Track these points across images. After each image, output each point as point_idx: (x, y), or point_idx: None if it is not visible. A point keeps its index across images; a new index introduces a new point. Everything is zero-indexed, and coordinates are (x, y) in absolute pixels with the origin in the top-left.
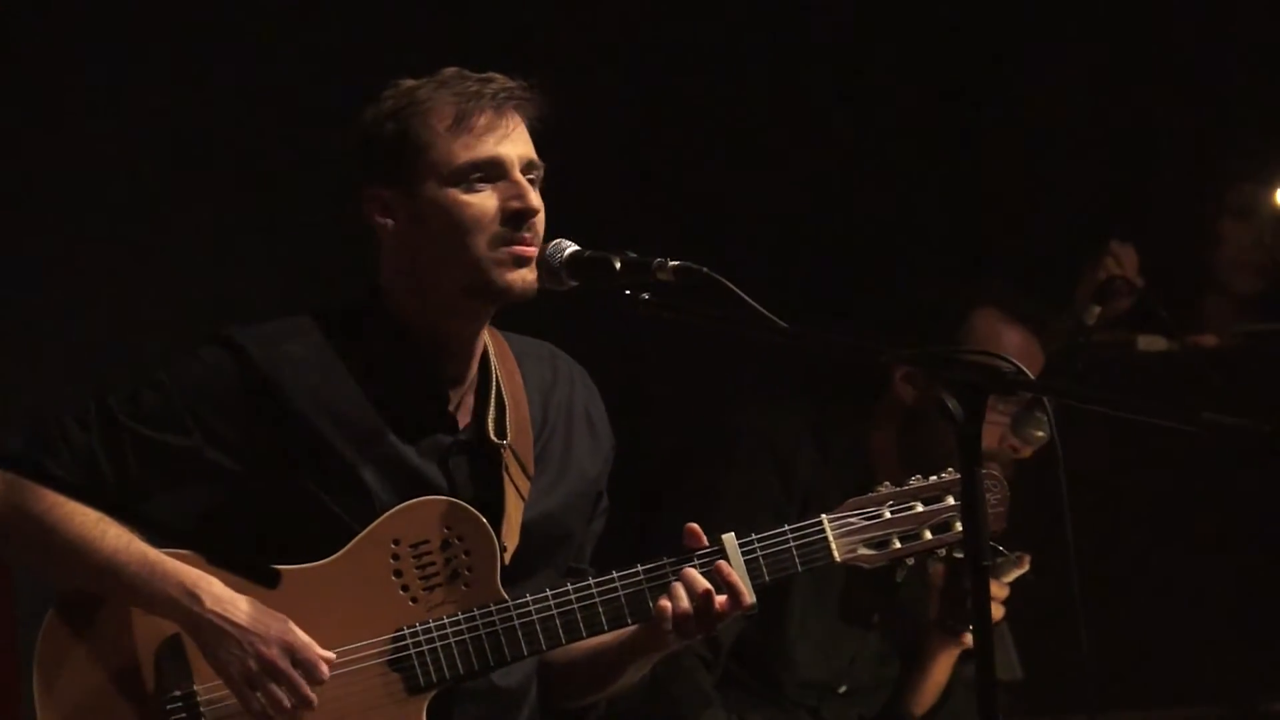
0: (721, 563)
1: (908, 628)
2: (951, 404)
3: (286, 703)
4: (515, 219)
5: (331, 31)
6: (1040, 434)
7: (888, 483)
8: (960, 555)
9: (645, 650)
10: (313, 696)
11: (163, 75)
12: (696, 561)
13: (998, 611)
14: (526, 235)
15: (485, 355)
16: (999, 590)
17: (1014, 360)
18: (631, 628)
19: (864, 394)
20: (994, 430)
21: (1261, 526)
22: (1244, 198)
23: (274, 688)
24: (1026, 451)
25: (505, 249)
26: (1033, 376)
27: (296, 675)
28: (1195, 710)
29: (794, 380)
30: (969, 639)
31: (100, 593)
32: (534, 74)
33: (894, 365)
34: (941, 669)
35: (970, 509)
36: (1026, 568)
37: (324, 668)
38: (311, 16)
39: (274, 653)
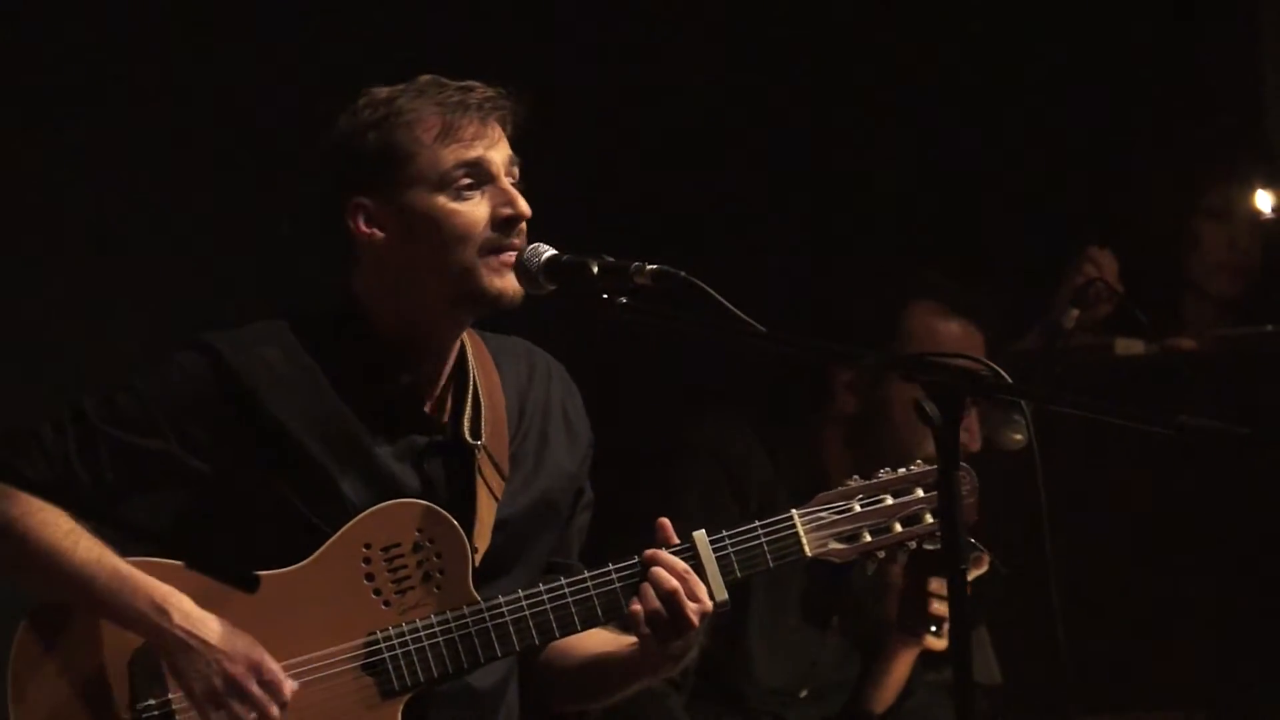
0: (671, 559)
1: (866, 626)
2: (929, 407)
3: None
4: (505, 225)
5: (310, 36)
6: (1018, 437)
7: (857, 476)
8: (930, 548)
9: (646, 670)
10: (277, 716)
11: (149, 80)
12: (664, 554)
13: (943, 608)
14: (516, 241)
15: (463, 355)
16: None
17: (956, 350)
18: (632, 645)
19: (811, 402)
20: None
21: (1243, 530)
22: (1220, 199)
23: (237, 706)
24: (975, 446)
25: (495, 256)
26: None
27: (261, 694)
28: (1174, 714)
29: (742, 391)
30: (930, 640)
31: (70, 603)
32: (507, 77)
33: (836, 375)
34: (902, 667)
35: (948, 512)
36: (985, 567)
37: (288, 689)
38: (292, 22)
39: (239, 670)
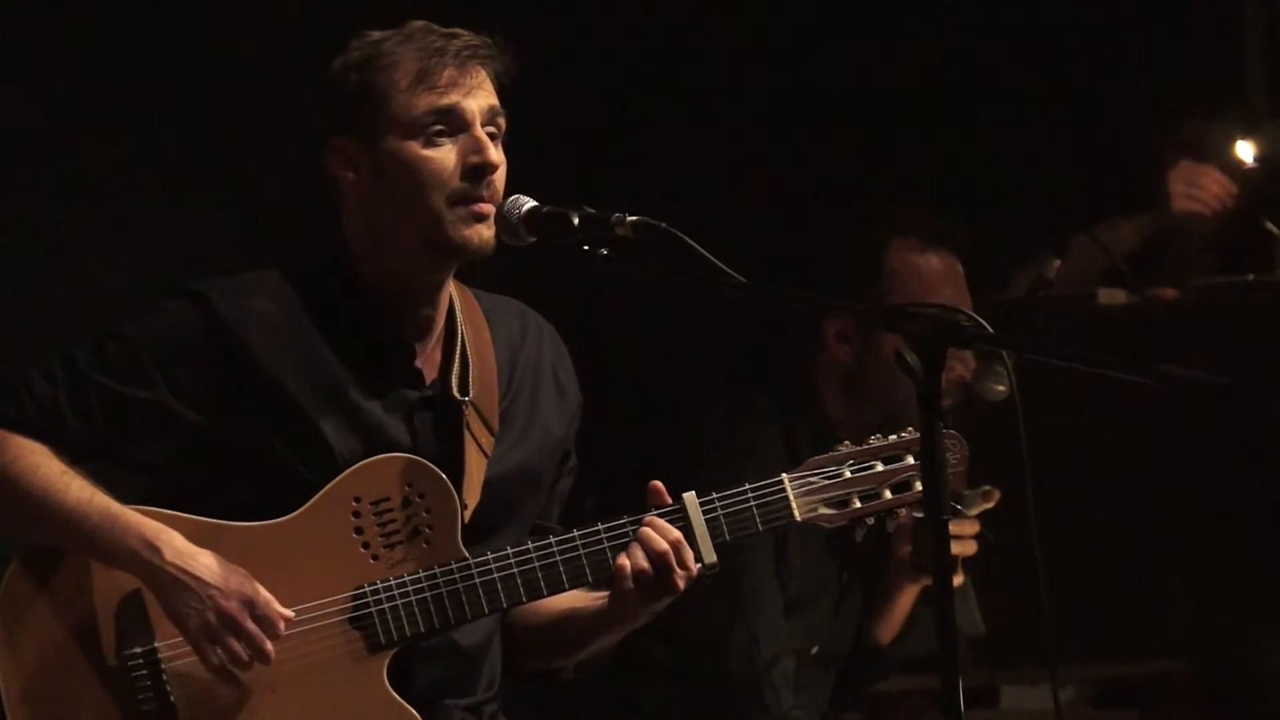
0: (664, 524)
1: (875, 571)
2: (910, 357)
3: (244, 656)
4: (474, 174)
5: None
6: (1000, 388)
7: (848, 442)
8: (920, 515)
9: (617, 621)
10: (271, 651)
11: (122, 36)
12: (656, 518)
13: (969, 547)
14: (485, 192)
15: (451, 310)
16: (969, 526)
17: (939, 284)
18: (601, 598)
19: (805, 355)
20: None
21: (1224, 480)
22: (1192, 134)
23: (232, 642)
24: (968, 376)
25: (463, 206)
26: (957, 294)
27: (255, 629)
28: (1157, 665)
29: (752, 364)
30: None
31: (61, 546)
32: (498, 27)
33: (827, 326)
34: (906, 600)
35: (930, 463)
36: (994, 502)
37: (282, 624)
38: None
39: (233, 606)
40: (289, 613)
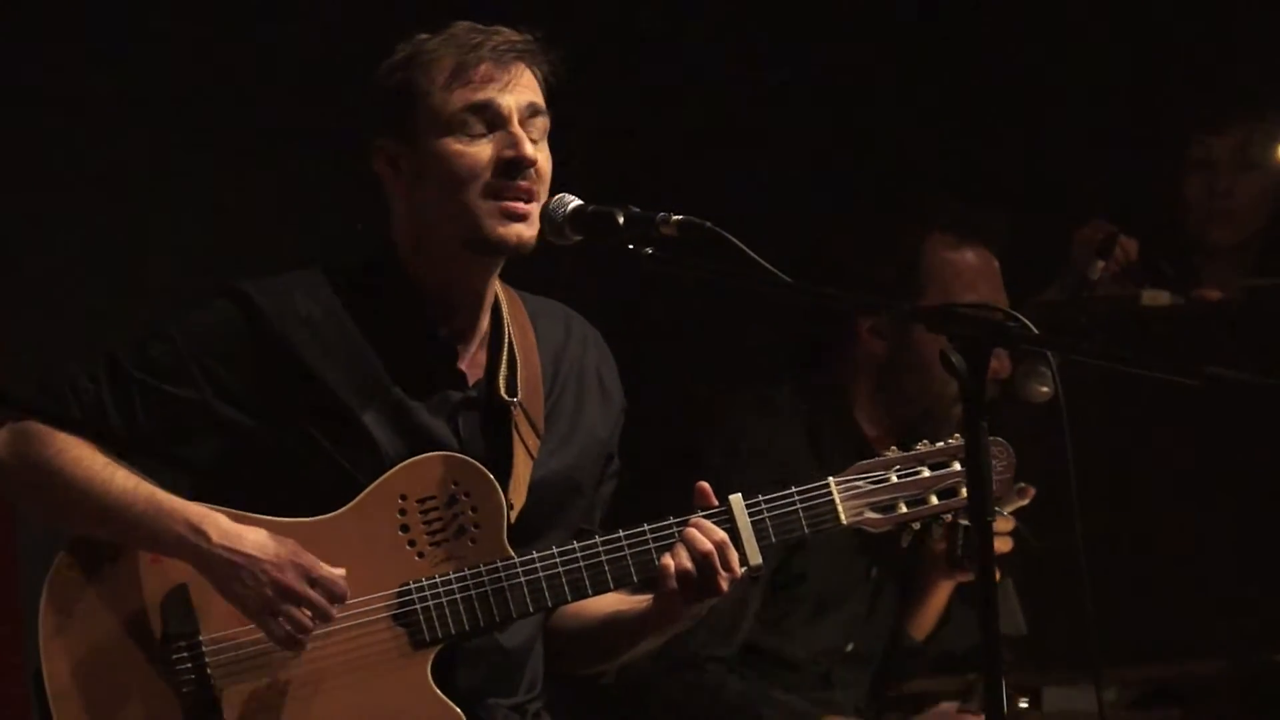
0: (709, 525)
1: (907, 567)
2: (955, 358)
3: (309, 623)
4: (508, 168)
5: None
6: (1044, 389)
7: (895, 447)
8: (965, 522)
9: (659, 623)
10: (334, 612)
11: (167, 28)
12: (701, 519)
13: (1005, 544)
14: (521, 184)
15: (498, 311)
16: (1004, 523)
17: (975, 280)
18: (644, 601)
19: (837, 350)
20: None
21: (1269, 480)
22: (1201, 150)
23: (294, 610)
24: (1005, 372)
25: (496, 201)
26: (993, 289)
27: (316, 594)
28: (1201, 666)
29: (779, 360)
30: None
31: (107, 536)
32: (542, 25)
33: (861, 320)
34: (941, 596)
35: (974, 463)
36: (1028, 499)
37: (342, 583)
38: None
39: (289, 576)
40: (341, 571)
